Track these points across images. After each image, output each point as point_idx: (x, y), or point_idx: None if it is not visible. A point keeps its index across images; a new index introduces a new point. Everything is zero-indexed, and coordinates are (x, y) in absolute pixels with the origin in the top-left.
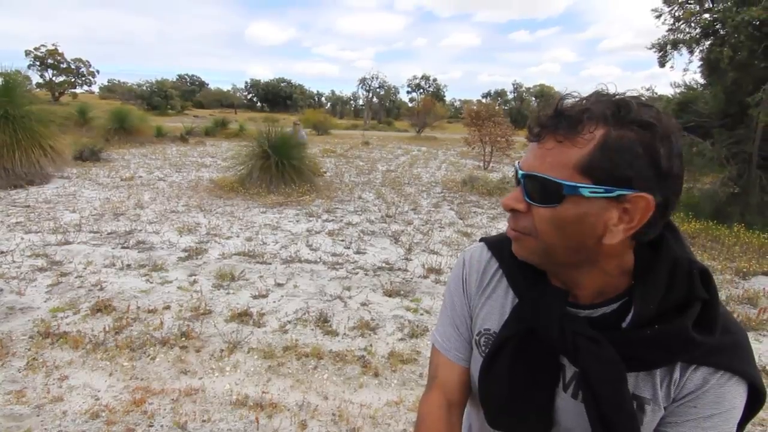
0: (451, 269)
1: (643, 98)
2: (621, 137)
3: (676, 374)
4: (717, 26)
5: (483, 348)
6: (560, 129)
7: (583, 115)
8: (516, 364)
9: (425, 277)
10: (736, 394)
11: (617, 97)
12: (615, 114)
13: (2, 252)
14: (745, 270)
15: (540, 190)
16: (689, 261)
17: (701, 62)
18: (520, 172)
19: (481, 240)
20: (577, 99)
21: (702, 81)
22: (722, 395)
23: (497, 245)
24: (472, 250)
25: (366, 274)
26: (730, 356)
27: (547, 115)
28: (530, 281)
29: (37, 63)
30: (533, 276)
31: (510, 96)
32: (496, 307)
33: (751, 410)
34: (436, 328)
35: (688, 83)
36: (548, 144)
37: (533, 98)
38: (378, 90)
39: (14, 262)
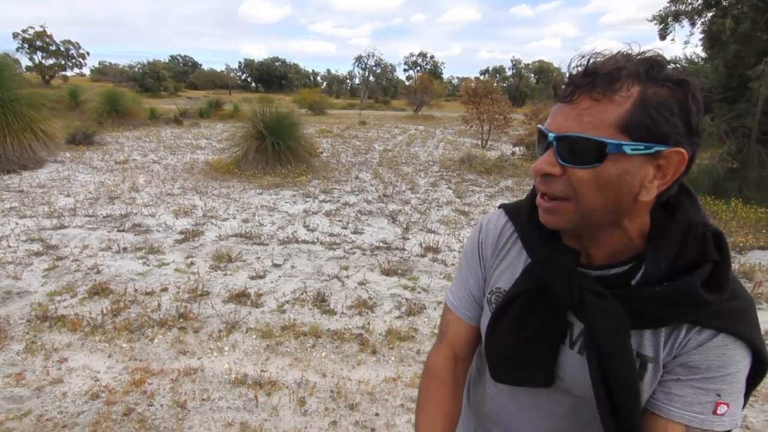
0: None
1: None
2: (657, 94)
3: (681, 334)
4: None
5: (493, 305)
6: (597, 87)
7: (621, 73)
8: (523, 320)
9: (423, 255)
10: (740, 357)
11: (647, 55)
12: (648, 72)
13: None
14: (741, 245)
15: (579, 151)
16: (703, 224)
17: (702, 35)
18: (551, 134)
19: (500, 206)
20: (605, 58)
21: (703, 55)
22: (724, 356)
23: (514, 210)
24: (490, 216)
25: (363, 254)
26: (736, 321)
27: (579, 75)
28: (543, 241)
29: (26, 46)
30: (547, 237)
31: (508, 73)
32: (509, 267)
33: (754, 379)
34: (450, 288)
35: (688, 57)
36: (583, 103)
37: (532, 75)
38: (374, 68)
39: (9, 246)
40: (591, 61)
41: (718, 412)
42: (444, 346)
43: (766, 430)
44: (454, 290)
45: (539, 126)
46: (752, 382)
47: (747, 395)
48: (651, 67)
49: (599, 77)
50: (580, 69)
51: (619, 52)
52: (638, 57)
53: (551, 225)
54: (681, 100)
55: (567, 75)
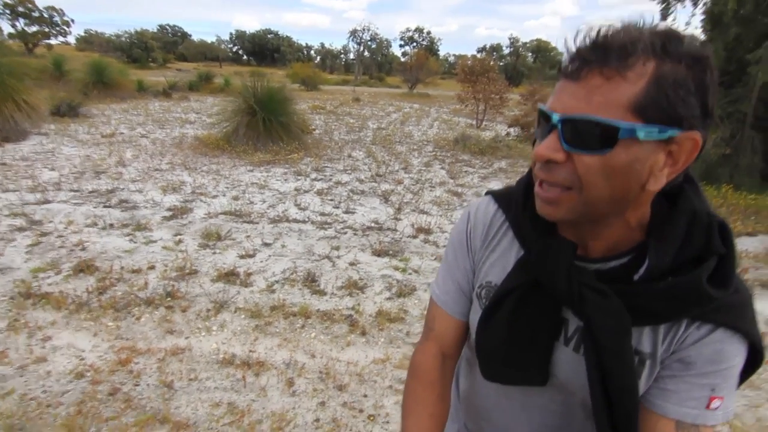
0: (455, 223)
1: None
2: (674, 71)
3: (681, 330)
4: None
5: (484, 300)
6: (609, 63)
7: (636, 46)
8: (516, 316)
9: (414, 236)
10: (737, 352)
11: (660, 28)
12: (665, 46)
13: None
14: None
15: (588, 134)
16: (708, 214)
17: (704, 16)
18: (556, 115)
19: (487, 193)
20: (616, 29)
21: (703, 38)
22: (722, 351)
23: (505, 197)
24: (478, 204)
25: (355, 234)
26: (736, 315)
27: (588, 48)
28: (538, 233)
29: (7, 11)
30: (542, 228)
31: (506, 51)
32: (500, 260)
33: (749, 370)
34: (435, 280)
35: None
36: (594, 81)
37: (530, 54)
38: (369, 43)
39: None
40: (601, 32)
41: (711, 406)
42: (431, 343)
43: (746, 414)
44: (441, 283)
45: (540, 106)
46: (744, 375)
47: (738, 385)
48: (668, 41)
49: (612, 51)
50: (588, 41)
51: (630, 24)
52: (653, 29)
53: (551, 217)
54: (699, 78)
55: (574, 48)
